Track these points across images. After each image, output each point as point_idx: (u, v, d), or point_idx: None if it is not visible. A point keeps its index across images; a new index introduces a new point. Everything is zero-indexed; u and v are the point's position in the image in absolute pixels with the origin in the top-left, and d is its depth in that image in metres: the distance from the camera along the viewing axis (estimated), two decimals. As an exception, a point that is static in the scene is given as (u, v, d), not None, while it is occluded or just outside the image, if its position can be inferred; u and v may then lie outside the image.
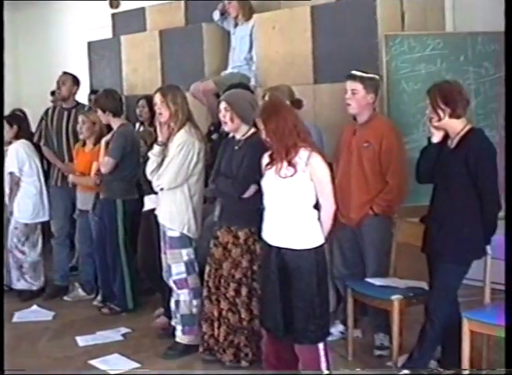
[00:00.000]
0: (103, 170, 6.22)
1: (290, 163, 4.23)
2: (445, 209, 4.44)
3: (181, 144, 5.16)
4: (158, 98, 5.26)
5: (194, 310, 5.32)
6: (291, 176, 4.24)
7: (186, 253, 5.29)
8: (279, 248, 4.32)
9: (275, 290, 4.34)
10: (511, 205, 4.01)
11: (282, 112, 4.31)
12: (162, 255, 5.43)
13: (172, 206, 5.24)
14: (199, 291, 5.29)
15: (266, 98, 5.46)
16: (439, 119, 4.38)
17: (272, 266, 4.35)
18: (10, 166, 6.90)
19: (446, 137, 4.46)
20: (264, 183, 4.43)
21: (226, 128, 5.01)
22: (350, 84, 5.14)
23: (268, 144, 4.34)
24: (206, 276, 5.09)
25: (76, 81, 7.29)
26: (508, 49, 4.22)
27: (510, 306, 3.82)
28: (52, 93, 8.94)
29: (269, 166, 4.36)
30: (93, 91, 8.01)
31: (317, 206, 4.34)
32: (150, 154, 5.31)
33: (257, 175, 4.55)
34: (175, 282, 5.33)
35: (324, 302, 4.35)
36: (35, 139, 7.30)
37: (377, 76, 5.29)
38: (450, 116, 4.35)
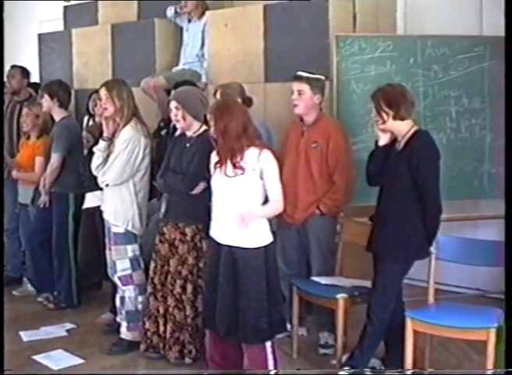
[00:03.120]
0: (53, 167, 6.15)
1: (235, 166, 4.26)
2: (388, 210, 4.51)
3: (127, 140, 5.13)
4: (103, 93, 5.23)
5: (139, 306, 5.30)
6: (239, 175, 4.27)
7: (131, 249, 5.27)
8: (229, 247, 4.33)
9: (224, 288, 4.34)
10: (511, 205, 4.04)
11: (235, 112, 4.32)
12: (107, 252, 5.40)
13: (117, 202, 5.22)
14: (144, 287, 5.27)
15: (218, 95, 5.48)
16: (384, 122, 4.45)
17: (220, 265, 4.35)
18: None
19: (395, 139, 4.51)
20: (212, 181, 4.44)
21: (179, 126, 5.00)
22: (297, 85, 5.17)
23: (215, 142, 4.35)
24: (151, 273, 5.07)
25: (25, 73, 7.26)
26: (508, 51, 4.26)
27: (509, 306, 3.85)
28: None
29: (218, 165, 4.37)
30: (30, 84, 7.91)
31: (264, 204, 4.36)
32: (95, 149, 5.26)
33: (206, 172, 4.56)
34: (120, 278, 5.30)
35: (274, 301, 4.36)
36: None
37: (323, 77, 5.33)
38: (394, 118, 4.41)
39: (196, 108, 4.91)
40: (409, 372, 4.44)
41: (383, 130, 4.51)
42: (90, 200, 5.83)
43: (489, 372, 4.22)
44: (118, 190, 5.21)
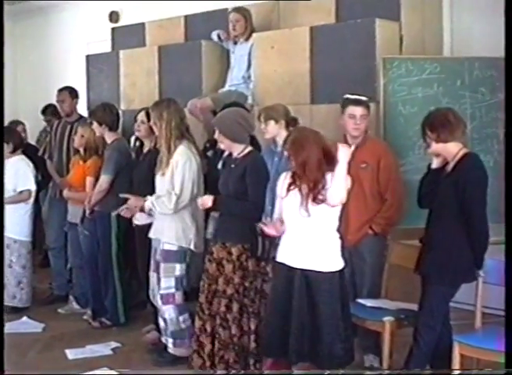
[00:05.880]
0: (101, 188, 6.21)
1: (316, 198, 4.21)
2: (436, 232, 4.49)
3: (186, 161, 5.22)
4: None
5: (183, 325, 5.34)
6: (316, 206, 4.23)
7: (179, 268, 5.31)
8: (302, 270, 4.28)
9: (298, 313, 4.27)
10: (511, 216, 4.04)
11: (310, 144, 4.26)
12: (150, 273, 5.44)
13: (173, 221, 5.26)
14: (184, 306, 5.33)
15: (262, 118, 5.49)
16: (428, 146, 4.48)
17: (293, 290, 4.29)
18: (23, 183, 6.89)
19: (447, 162, 4.52)
20: (286, 204, 4.40)
21: (222, 148, 5.11)
22: (360, 110, 5.19)
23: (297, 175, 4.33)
24: (202, 290, 5.06)
25: (74, 94, 7.37)
26: (508, 52, 4.24)
27: (510, 305, 3.85)
28: (43, 111, 8.95)
29: (292, 187, 4.33)
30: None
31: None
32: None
33: (264, 194, 4.67)
34: (161, 296, 5.33)
35: (348, 326, 4.33)
36: (40, 152, 7.46)
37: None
38: (436, 142, 4.42)
39: (233, 132, 4.94)
40: (411, 372, 4.45)
41: (433, 153, 4.53)
42: (139, 218, 5.82)
43: (488, 372, 4.20)
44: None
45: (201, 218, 5.38)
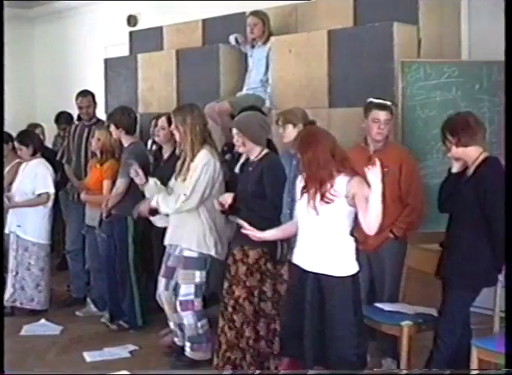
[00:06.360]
0: (117, 191, 6.23)
1: (324, 196, 4.15)
2: (456, 236, 4.50)
3: (205, 164, 5.22)
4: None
5: (201, 331, 5.36)
6: (328, 203, 4.16)
7: (199, 275, 5.33)
8: (315, 274, 4.24)
9: (311, 316, 4.24)
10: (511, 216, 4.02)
11: (318, 141, 4.22)
12: (159, 277, 5.47)
13: (194, 227, 5.29)
14: (203, 312, 5.36)
15: (280, 122, 5.49)
16: (448, 150, 4.48)
17: (306, 292, 4.26)
18: (42, 186, 6.92)
19: (468, 166, 4.52)
20: (298, 207, 4.39)
21: (240, 151, 5.08)
22: (384, 114, 5.19)
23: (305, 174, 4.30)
24: (224, 292, 5.06)
25: (94, 98, 7.39)
26: (508, 52, 4.24)
27: (510, 305, 3.83)
28: (56, 120, 9.06)
29: (305, 190, 4.29)
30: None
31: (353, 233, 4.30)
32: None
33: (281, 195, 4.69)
34: (180, 302, 5.34)
35: (361, 332, 4.27)
36: (58, 156, 7.50)
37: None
38: (456, 146, 4.42)
39: (255, 134, 4.96)
40: (413, 371, 4.52)
41: (453, 157, 4.53)
42: (160, 220, 5.81)
43: (489, 372, 4.20)
44: (196, 215, 5.28)
45: (223, 224, 5.35)
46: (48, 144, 9.01)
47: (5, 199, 6.85)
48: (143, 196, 5.76)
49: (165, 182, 5.57)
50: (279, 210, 4.89)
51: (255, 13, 7.21)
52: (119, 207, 6.29)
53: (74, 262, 7.31)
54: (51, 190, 6.94)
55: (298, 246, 4.39)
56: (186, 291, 5.31)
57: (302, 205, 4.31)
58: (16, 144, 6.99)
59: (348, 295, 4.19)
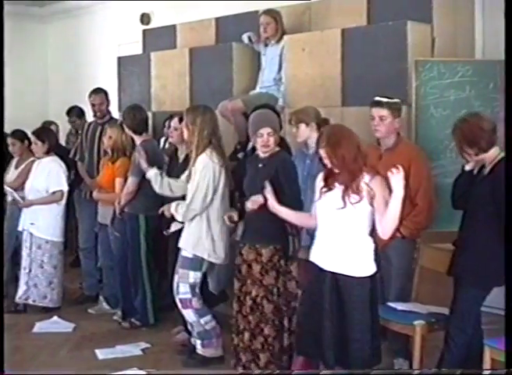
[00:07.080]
0: (128, 190, 6.24)
1: (357, 189, 4.12)
2: (469, 234, 4.48)
3: (204, 168, 5.20)
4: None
5: (207, 327, 5.37)
6: (356, 203, 4.13)
7: (193, 276, 5.33)
8: (333, 273, 4.22)
9: (330, 316, 4.20)
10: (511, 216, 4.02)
11: (348, 137, 4.21)
12: (176, 275, 5.46)
13: (194, 231, 5.30)
14: (204, 310, 5.37)
15: (292, 122, 5.48)
16: (467, 162, 4.48)
17: (324, 291, 4.23)
18: (55, 184, 6.94)
19: (483, 165, 4.50)
20: (318, 206, 4.35)
21: (265, 150, 4.98)
22: (378, 111, 5.13)
23: (329, 170, 4.26)
24: (237, 292, 5.06)
25: (107, 96, 7.39)
26: (508, 52, 4.22)
27: (510, 304, 3.83)
28: (68, 112, 9.00)
29: (325, 189, 4.27)
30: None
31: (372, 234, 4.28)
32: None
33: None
34: (180, 300, 5.37)
35: (376, 333, 4.27)
36: (71, 154, 7.53)
37: (399, 100, 5.30)
38: (477, 155, 4.41)
39: (279, 129, 5.02)
40: (415, 372, 4.52)
41: (478, 163, 4.51)
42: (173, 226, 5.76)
43: (488, 372, 4.19)
44: (198, 218, 5.28)
45: (221, 228, 5.32)
46: (61, 142, 9.03)
47: (18, 198, 6.87)
48: (155, 195, 5.75)
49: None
50: (301, 204, 4.88)
51: (268, 12, 7.20)
52: (131, 205, 6.31)
53: (87, 260, 7.34)
54: (65, 187, 6.95)
55: (316, 244, 4.36)
56: (184, 289, 5.34)
57: (322, 204, 4.30)
58: (33, 138, 6.99)
59: (366, 296, 4.18)
